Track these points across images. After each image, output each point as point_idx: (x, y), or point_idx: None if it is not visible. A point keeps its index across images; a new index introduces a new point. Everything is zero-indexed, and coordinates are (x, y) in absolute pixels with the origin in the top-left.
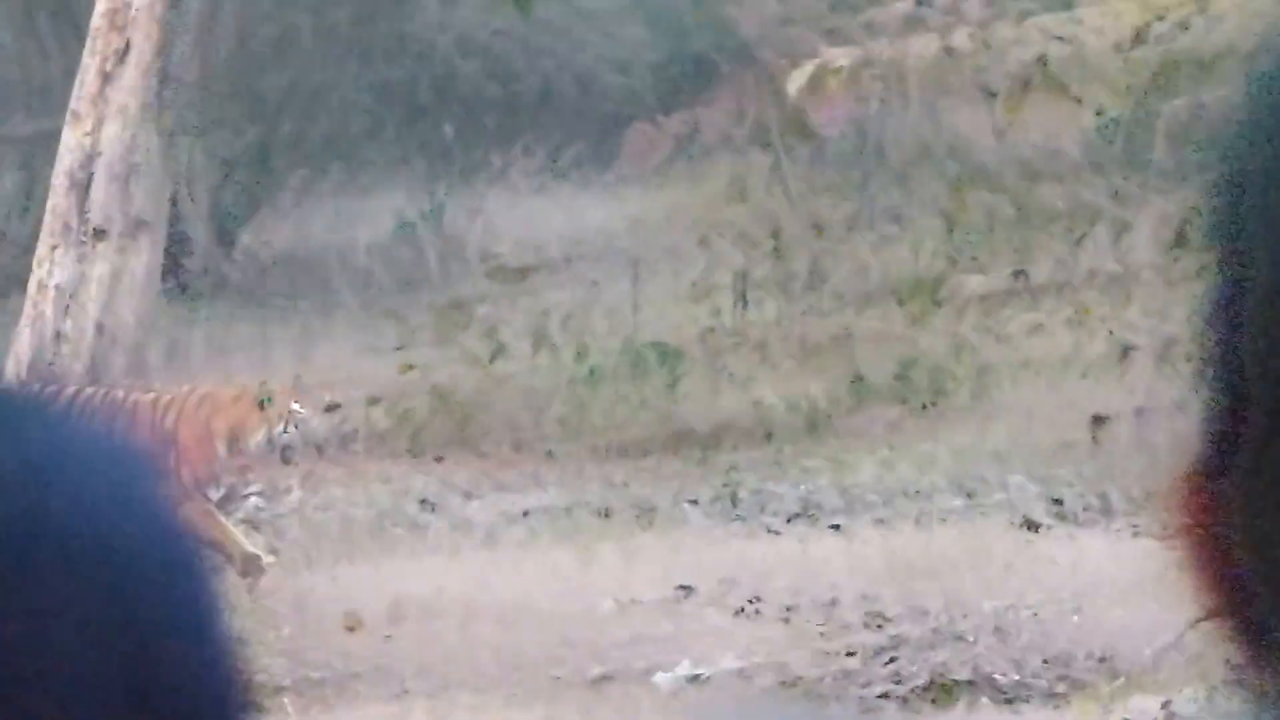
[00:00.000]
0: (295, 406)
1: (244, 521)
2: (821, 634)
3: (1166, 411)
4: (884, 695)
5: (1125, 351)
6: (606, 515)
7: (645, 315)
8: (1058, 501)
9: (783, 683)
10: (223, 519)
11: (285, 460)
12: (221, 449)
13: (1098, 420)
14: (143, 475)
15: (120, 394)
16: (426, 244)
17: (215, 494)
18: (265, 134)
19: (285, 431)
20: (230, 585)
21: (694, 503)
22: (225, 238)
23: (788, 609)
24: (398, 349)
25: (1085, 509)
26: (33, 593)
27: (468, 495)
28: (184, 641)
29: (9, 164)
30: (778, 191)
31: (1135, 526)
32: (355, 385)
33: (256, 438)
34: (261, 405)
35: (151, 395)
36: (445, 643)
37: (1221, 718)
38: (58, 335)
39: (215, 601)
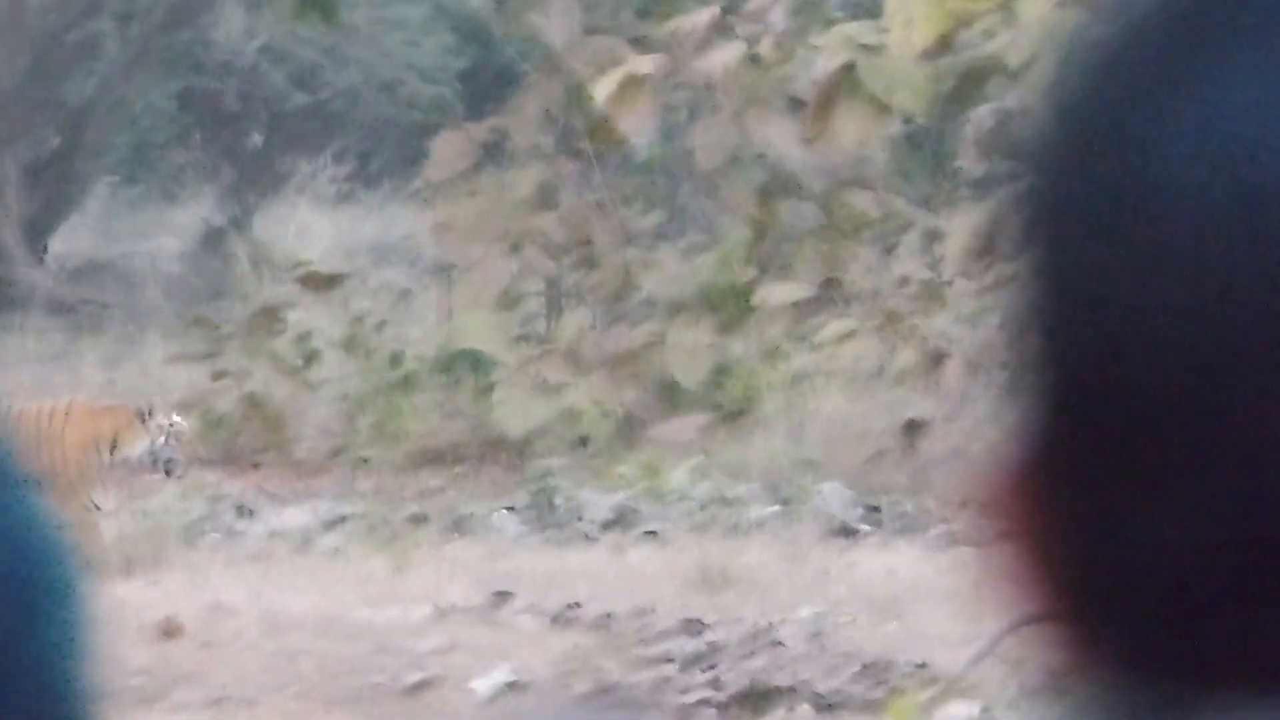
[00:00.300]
0: (175, 419)
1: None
2: (639, 640)
3: (979, 418)
4: (702, 702)
5: (937, 359)
6: (421, 522)
7: (457, 323)
8: (873, 509)
9: (600, 689)
10: (97, 525)
11: (167, 473)
12: (105, 456)
13: (911, 427)
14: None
15: (4, 405)
16: (236, 251)
17: (97, 499)
18: (70, 142)
19: (165, 443)
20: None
21: (509, 509)
22: (35, 245)
23: (605, 616)
24: (209, 356)
25: (900, 516)
26: None
27: (283, 501)
28: (37, 646)
29: None
30: (587, 199)
31: (951, 533)
32: (167, 393)
33: (137, 449)
34: (142, 418)
35: (36, 405)
36: (263, 649)
37: None
38: None
39: (78, 609)
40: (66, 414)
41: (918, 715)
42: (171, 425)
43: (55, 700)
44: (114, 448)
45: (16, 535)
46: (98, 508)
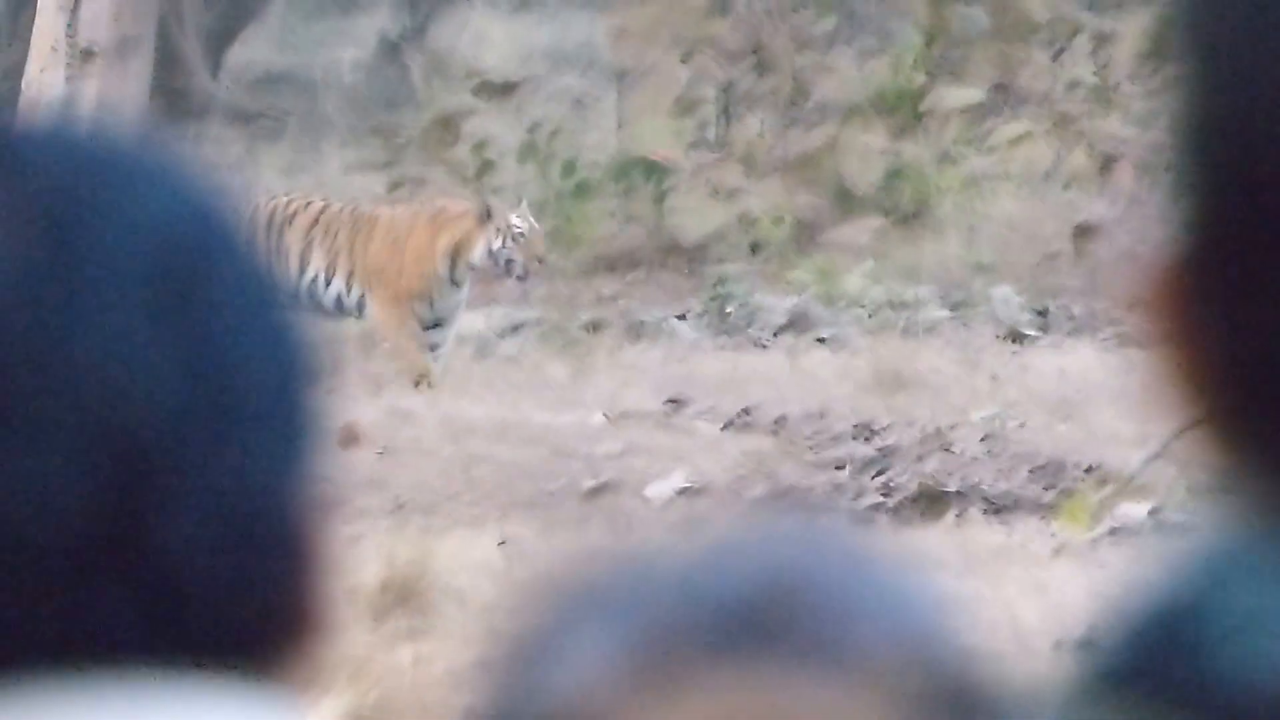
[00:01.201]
0: (514, 220)
1: None
2: (810, 446)
3: (1149, 220)
4: (874, 507)
5: (1107, 161)
6: (597, 328)
7: (631, 130)
8: (1042, 313)
9: (773, 494)
10: (420, 338)
11: (514, 276)
12: (442, 265)
13: (1081, 230)
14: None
15: (356, 209)
16: (411, 61)
17: (427, 310)
18: None
19: (505, 246)
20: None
21: (682, 317)
22: (211, 57)
23: (776, 421)
24: (386, 165)
25: (1070, 319)
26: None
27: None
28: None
29: None
30: (760, 5)
31: (1121, 335)
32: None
33: (476, 252)
34: (481, 220)
35: (386, 210)
36: (441, 455)
37: (1210, 524)
38: None
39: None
40: (414, 218)
41: (1089, 517)
42: (511, 226)
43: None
44: (458, 253)
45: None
46: (436, 324)
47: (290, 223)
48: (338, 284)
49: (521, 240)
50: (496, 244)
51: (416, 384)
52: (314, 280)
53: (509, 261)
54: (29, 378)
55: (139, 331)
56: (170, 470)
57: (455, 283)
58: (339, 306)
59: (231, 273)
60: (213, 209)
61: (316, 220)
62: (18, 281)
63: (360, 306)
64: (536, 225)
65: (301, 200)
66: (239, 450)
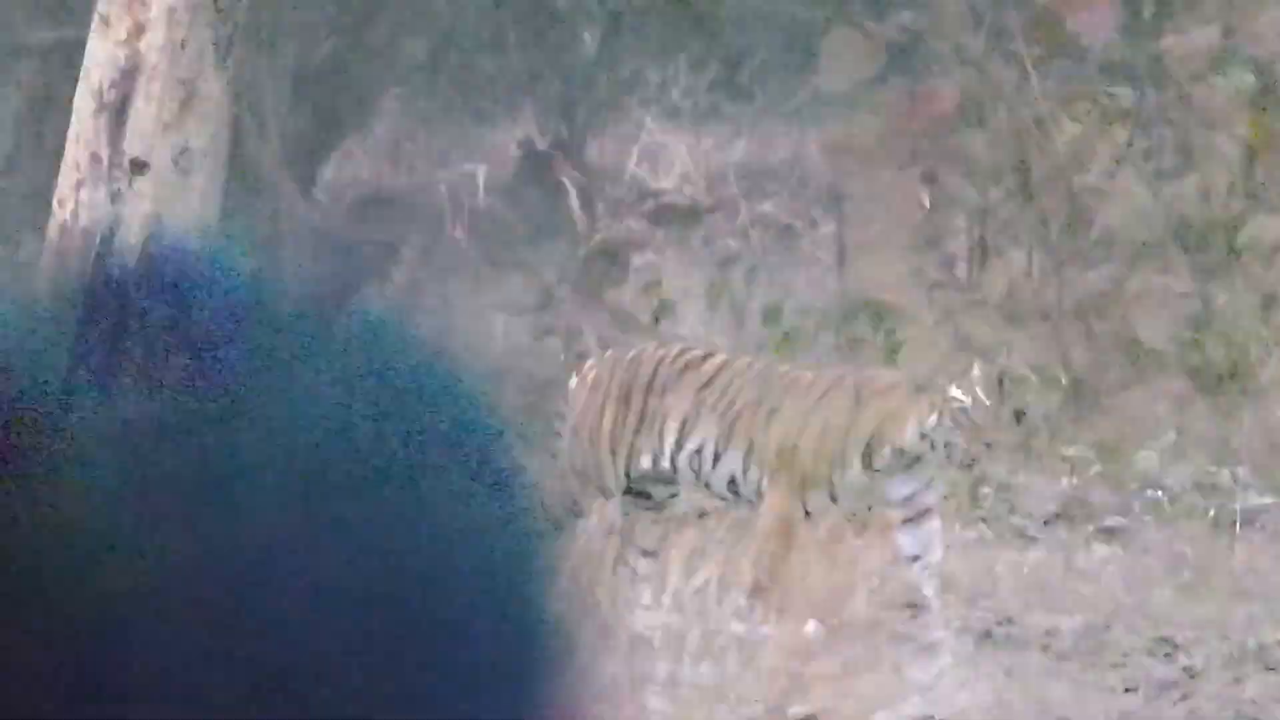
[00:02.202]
0: (955, 393)
1: None
2: (1092, 665)
3: None
4: None
5: None
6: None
7: (854, 267)
8: None
9: None
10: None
11: (949, 461)
12: (854, 448)
13: None
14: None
15: (768, 368)
16: (565, 179)
17: (817, 496)
18: (350, 42)
19: (940, 425)
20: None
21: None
22: (301, 172)
23: (1047, 633)
24: (533, 310)
25: None
26: None
27: None
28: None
29: (19, 80)
30: (1025, 114)
31: None
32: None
33: (908, 434)
34: (914, 392)
35: (806, 373)
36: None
37: None
38: None
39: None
40: (829, 386)
41: None
42: (949, 401)
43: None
44: (880, 434)
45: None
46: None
47: (678, 380)
48: (731, 461)
49: (964, 419)
50: (930, 421)
51: (756, 599)
52: (698, 452)
53: (947, 445)
54: None
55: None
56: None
57: (871, 469)
58: (732, 489)
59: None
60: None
61: (712, 379)
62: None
63: (760, 490)
64: (986, 398)
65: (697, 353)
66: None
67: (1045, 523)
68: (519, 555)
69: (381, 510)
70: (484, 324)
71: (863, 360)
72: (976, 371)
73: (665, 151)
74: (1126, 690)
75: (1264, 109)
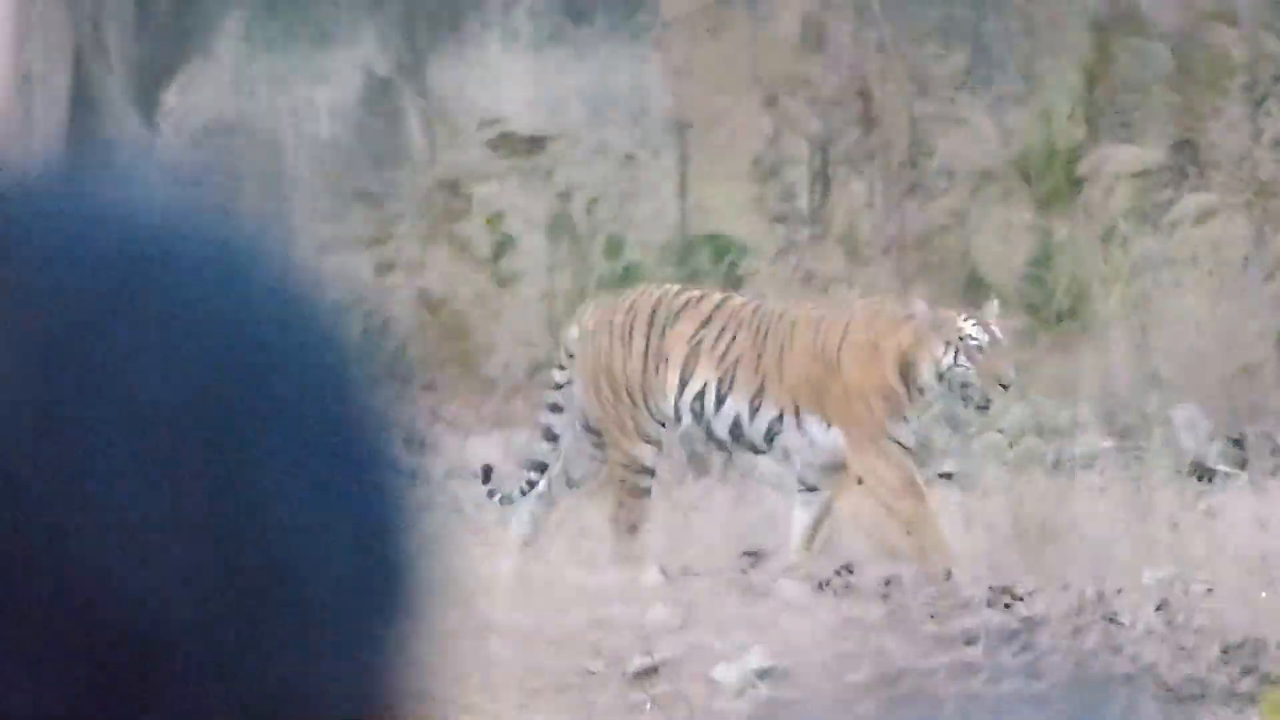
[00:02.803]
0: (968, 328)
1: None
2: (932, 615)
3: None
4: (1015, 695)
5: None
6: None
7: (696, 198)
8: (1237, 442)
9: (881, 678)
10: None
11: (965, 401)
12: (892, 378)
13: None
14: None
15: (763, 306)
16: (407, 106)
17: (904, 433)
18: None
19: (957, 363)
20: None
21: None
22: (144, 98)
23: (887, 582)
24: (372, 243)
25: (1274, 451)
26: None
27: (467, 432)
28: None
29: None
30: (865, 37)
31: None
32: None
33: (924, 372)
34: (926, 329)
35: (806, 310)
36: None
37: None
38: None
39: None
40: (847, 326)
41: None
42: (962, 336)
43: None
44: (907, 370)
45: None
46: (904, 447)
47: (674, 322)
48: (735, 404)
49: (980, 357)
50: (947, 360)
51: (935, 559)
52: (700, 396)
53: (964, 386)
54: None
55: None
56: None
57: (912, 405)
58: (735, 433)
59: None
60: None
61: (709, 319)
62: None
63: (770, 436)
64: (1000, 335)
65: (694, 293)
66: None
67: None
68: (367, 499)
69: (225, 452)
70: (325, 258)
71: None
72: (995, 305)
73: (508, 77)
74: (967, 642)
75: (1106, 32)
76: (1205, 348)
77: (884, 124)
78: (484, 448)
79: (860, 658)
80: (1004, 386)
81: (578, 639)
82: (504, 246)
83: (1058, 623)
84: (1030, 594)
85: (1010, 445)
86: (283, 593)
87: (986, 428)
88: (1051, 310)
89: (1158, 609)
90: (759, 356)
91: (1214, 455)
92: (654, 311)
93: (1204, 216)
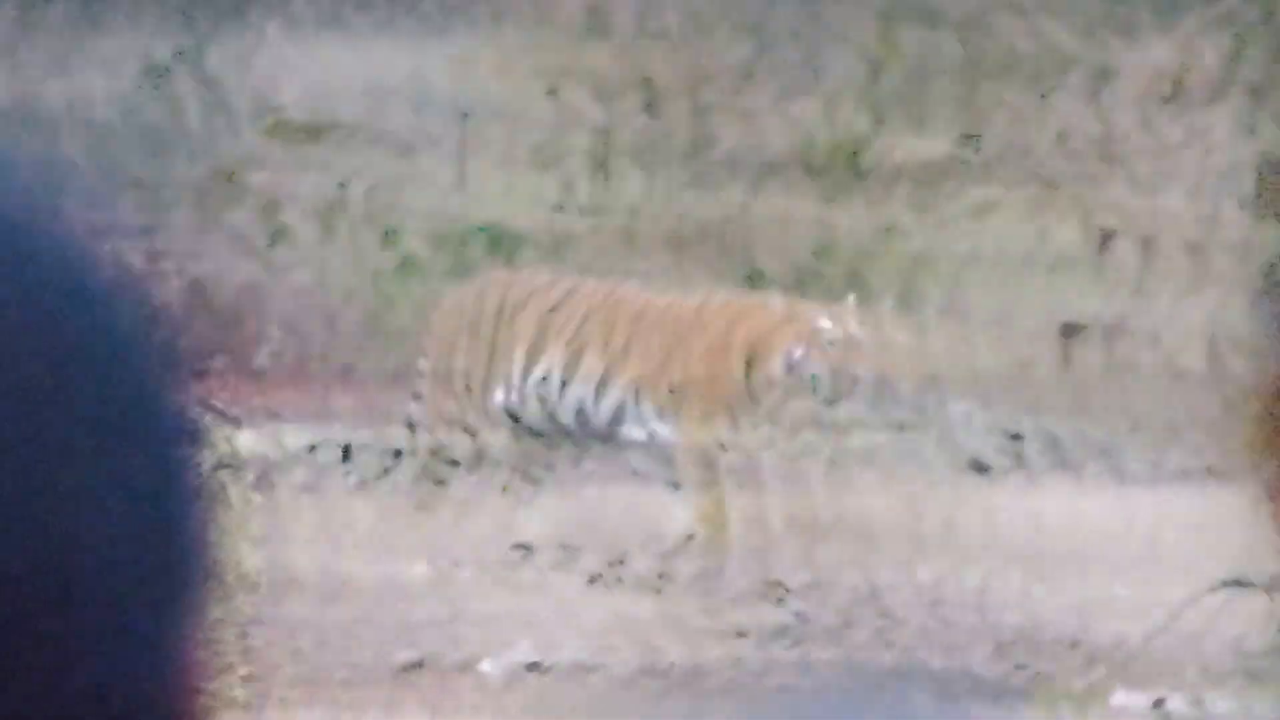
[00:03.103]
0: (823, 323)
1: None
2: (703, 610)
3: (1163, 318)
4: (785, 689)
5: (1106, 239)
6: (419, 449)
7: (475, 188)
8: (1015, 438)
9: (651, 672)
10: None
11: (822, 397)
12: (738, 368)
13: (1069, 330)
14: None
15: (615, 292)
16: (182, 92)
17: (726, 425)
18: None
19: (805, 353)
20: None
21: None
22: None
23: (659, 576)
24: (145, 231)
25: (1052, 448)
26: None
27: (238, 422)
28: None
29: None
30: (650, 25)
31: (1118, 469)
32: None
33: (774, 363)
34: (782, 321)
35: (658, 296)
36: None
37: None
38: None
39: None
40: (697, 312)
41: (1074, 707)
42: (817, 327)
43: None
44: (752, 363)
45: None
46: (723, 448)
47: (522, 308)
48: (579, 390)
49: (831, 351)
50: (798, 354)
51: (709, 534)
52: (544, 380)
53: (814, 378)
54: None
55: None
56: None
57: (753, 401)
58: (580, 419)
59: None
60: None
61: (559, 305)
62: None
63: (616, 420)
64: (859, 332)
65: (544, 278)
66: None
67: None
68: (135, 491)
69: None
70: (97, 245)
71: None
72: (851, 301)
73: (286, 64)
74: (738, 635)
75: (892, 21)
76: (984, 342)
77: (667, 114)
78: (255, 440)
79: (629, 651)
80: (856, 384)
81: (344, 632)
82: (279, 236)
83: (830, 617)
84: (802, 589)
85: (789, 438)
86: (49, 587)
87: (762, 421)
88: (832, 304)
89: (931, 604)
90: (606, 342)
91: (991, 451)
92: (503, 296)
93: (986, 210)
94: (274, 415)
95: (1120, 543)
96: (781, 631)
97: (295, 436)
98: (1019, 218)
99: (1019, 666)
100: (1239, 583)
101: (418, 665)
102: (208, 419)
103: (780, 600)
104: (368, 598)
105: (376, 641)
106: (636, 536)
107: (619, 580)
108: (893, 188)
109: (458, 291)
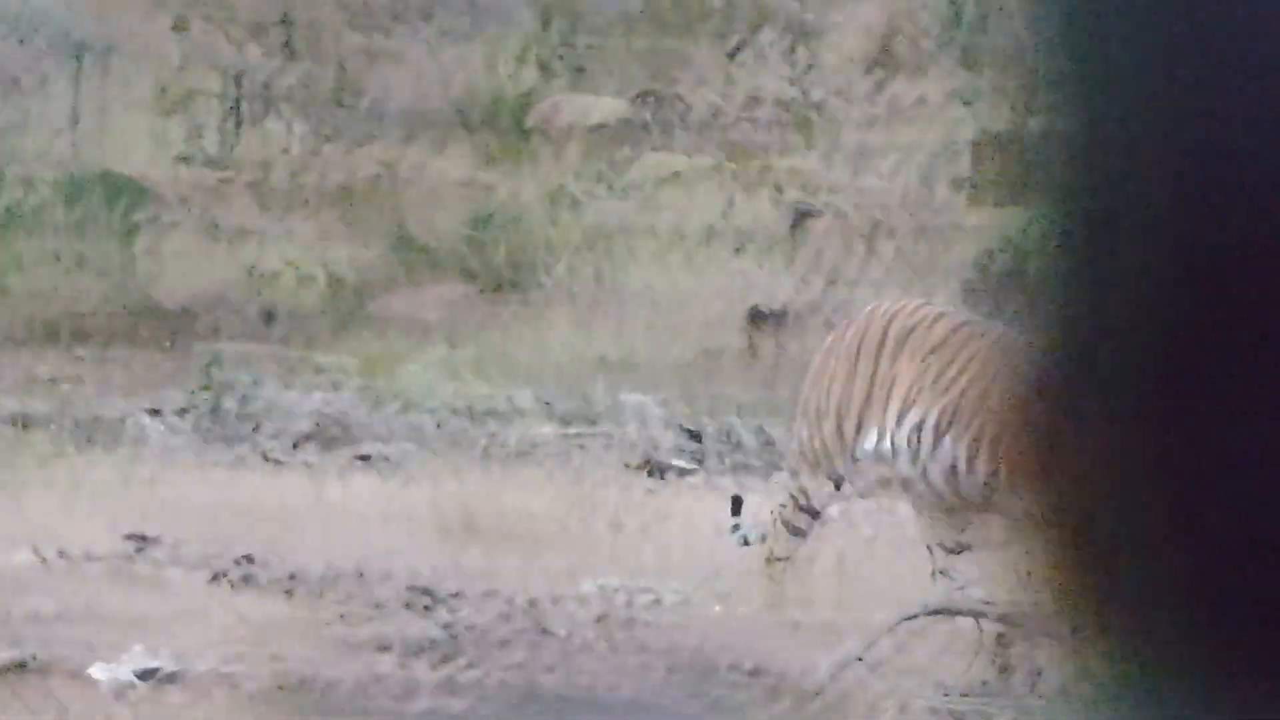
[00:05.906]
0: None
1: None
2: (341, 616)
3: (864, 309)
4: (432, 713)
5: (800, 218)
6: (26, 426)
7: (93, 131)
8: (695, 435)
9: (282, 685)
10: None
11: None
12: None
13: (758, 316)
14: None
15: (1008, 332)
16: None
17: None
18: None
19: None
20: None
21: (156, 413)
22: None
23: (292, 577)
24: None
25: (735, 446)
26: None
27: None
28: None
29: None
30: None
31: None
32: None
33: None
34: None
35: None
36: None
37: None
38: None
39: None
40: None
41: None
42: None
43: None
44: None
45: None
46: None
47: (904, 343)
48: (952, 445)
49: None
50: None
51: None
52: (918, 429)
53: None
54: None
55: None
56: None
57: None
58: (950, 481)
59: None
60: None
61: (940, 345)
62: None
63: (988, 490)
64: None
65: (929, 312)
66: None
67: (295, 445)
68: None
69: None
70: None
71: (98, 243)
72: None
73: None
74: (380, 648)
75: None
76: (663, 328)
77: (307, 56)
78: None
79: (257, 661)
80: None
81: None
82: None
83: (483, 632)
84: (454, 597)
85: (438, 427)
86: None
87: (411, 407)
88: (490, 278)
89: (597, 621)
90: (985, 390)
91: (667, 449)
92: (886, 328)
93: (667, 179)
94: None
95: (813, 556)
96: (429, 646)
97: None
98: (704, 190)
99: (692, 695)
100: (944, 610)
101: (20, 666)
102: None
103: (428, 609)
104: None
105: None
106: (261, 526)
107: (245, 579)
108: (562, 150)
109: (847, 322)
